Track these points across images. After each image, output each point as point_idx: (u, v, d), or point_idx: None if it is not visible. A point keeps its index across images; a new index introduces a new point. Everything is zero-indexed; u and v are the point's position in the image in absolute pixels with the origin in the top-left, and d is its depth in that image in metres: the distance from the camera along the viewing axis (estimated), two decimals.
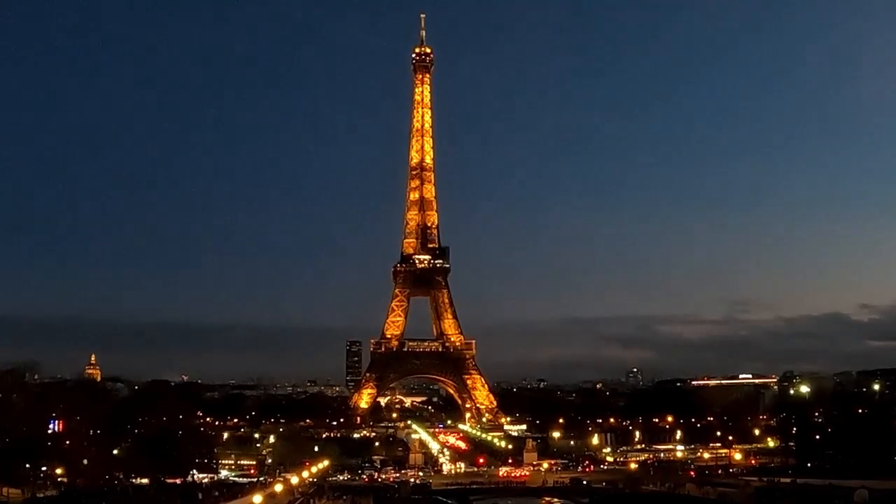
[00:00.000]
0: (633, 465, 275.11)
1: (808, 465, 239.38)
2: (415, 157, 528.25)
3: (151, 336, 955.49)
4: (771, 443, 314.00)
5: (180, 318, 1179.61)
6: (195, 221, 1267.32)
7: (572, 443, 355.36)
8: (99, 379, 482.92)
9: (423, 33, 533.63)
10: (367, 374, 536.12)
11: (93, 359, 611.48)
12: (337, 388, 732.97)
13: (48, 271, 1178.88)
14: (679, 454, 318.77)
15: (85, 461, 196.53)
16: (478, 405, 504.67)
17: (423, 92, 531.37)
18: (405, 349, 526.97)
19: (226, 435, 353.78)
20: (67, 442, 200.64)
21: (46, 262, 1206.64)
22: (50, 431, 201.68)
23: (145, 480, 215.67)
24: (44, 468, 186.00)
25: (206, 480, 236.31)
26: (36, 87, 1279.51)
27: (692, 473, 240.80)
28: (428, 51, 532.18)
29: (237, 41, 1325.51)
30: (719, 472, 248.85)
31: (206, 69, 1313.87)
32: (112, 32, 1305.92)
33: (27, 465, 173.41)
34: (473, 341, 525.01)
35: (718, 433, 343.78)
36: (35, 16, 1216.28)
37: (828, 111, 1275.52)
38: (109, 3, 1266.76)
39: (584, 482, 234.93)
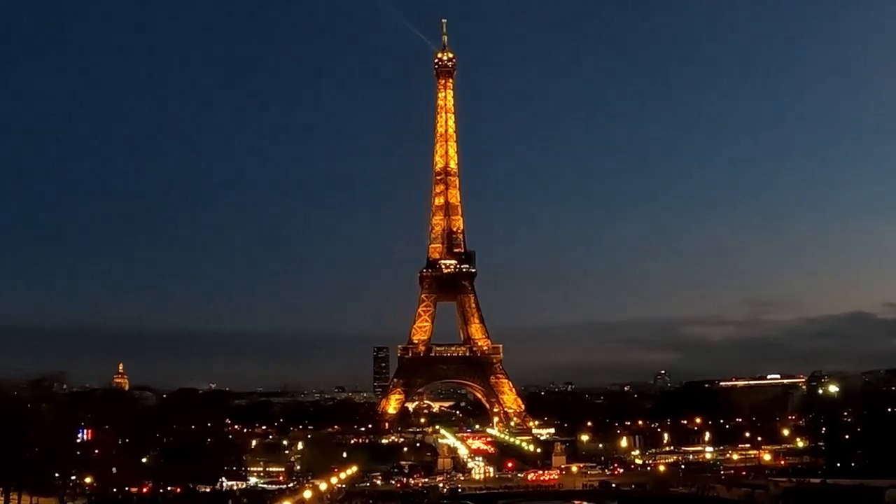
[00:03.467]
0: (661, 468, 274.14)
1: (838, 465, 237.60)
2: (439, 163, 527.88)
3: (179, 345, 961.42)
4: (800, 443, 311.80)
5: (208, 327, 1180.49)
6: (221, 230, 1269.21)
7: (601, 446, 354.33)
8: (127, 388, 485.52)
9: (446, 38, 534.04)
10: (395, 380, 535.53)
11: (121, 368, 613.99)
12: (365, 395, 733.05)
13: (76, 282, 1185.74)
14: (708, 456, 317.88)
15: (114, 470, 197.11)
16: (506, 409, 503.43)
17: (446, 97, 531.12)
18: (432, 354, 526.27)
19: (254, 442, 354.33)
20: (96, 451, 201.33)
21: (74, 274, 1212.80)
22: (79, 440, 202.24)
23: (176, 489, 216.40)
24: (73, 477, 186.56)
25: (234, 488, 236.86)
26: (77, 96, 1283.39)
27: (721, 475, 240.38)
28: (451, 55, 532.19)
29: (262, 47, 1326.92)
30: (749, 473, 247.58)
31: (234, 76, 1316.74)
32: (142, 35, 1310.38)
33: (56, 475, 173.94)
34: (500, 346, 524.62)
35: (747, 434, 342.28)
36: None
37: (849, 112, 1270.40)
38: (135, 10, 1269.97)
39: (613, 485, 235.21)
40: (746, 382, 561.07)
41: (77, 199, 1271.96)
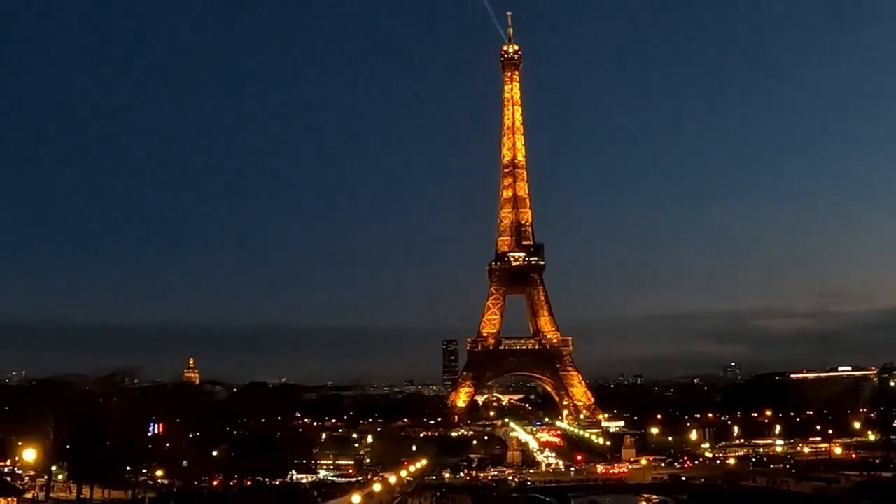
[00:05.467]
0: (731, 461, 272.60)
1: None
2: (507, 155, 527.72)
3: (249, 339, 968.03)
4: (871, 436, 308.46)
5: (278, 321, 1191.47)
6: (291, 227, 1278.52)
7: (670, 439, 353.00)
8: (198, 382, 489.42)
9: (511, 31, 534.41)
10: (464, 373, 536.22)
11: (191, 363, 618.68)
12: (434, 388, 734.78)
13: (149, 279, 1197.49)
14: (778, 449, 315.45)
15: (184, 463, 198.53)
16: (575, 402, 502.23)
17: (512, 89, 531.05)
18: (502, 347, 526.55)
19: (324, 436, 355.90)
20: (167, 444, 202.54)
21: (147, 271, 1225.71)
22: (150, 434, 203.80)
23: (246, 482, 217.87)
24: (144, 470, 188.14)
25: (304, 481, 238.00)
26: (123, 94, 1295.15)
27: (791, 469, 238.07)
28: (516, 48, 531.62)
29: (332, 41, 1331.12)
30: (820, 466, 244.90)
31: (302, 70, 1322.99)
32: (191, 35, 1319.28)
33: (128, 468, 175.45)
34: (570, 338, 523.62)
35: (818, 427, 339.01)
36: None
37: None
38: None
39: (683, 478, 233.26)
40: (817, 375, 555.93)
41: (152, 199, 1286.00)
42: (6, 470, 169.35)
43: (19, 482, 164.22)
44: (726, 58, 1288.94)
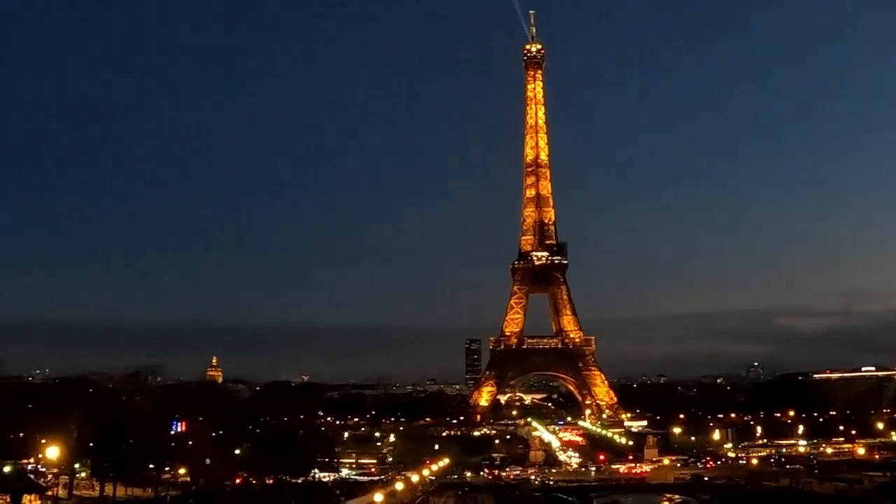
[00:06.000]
0: (754, 461, 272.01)
1: None
2: (529, 154, 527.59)
3: (272, 338, 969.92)
4: (895, 437, 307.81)
5: (300, 320, 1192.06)
6: (310, 225, 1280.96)
7: (693, 439, 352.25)
8: (221, 380, 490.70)
9: (534, 30, 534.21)
10: (487, 372, 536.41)
11: (214, 361, 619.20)
12: (457, 387, 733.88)
13: (171, 278, 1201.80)
14: (801, 449, 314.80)
15: (207, 461, 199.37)
16: (598, 402, 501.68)
17: (535, 88, 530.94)
18: (524, 346, 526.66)
19: (346, 434, 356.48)
20: (190, 442, 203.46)
21: (169, 270, 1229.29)
22: (173, 432, 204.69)
23: (269, 480, 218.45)
24: (167, 468, 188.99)
25: (326, 479, 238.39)
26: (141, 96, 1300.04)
27: (814, 469, 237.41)
28: (539, 47, 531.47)
29: (355, 39, 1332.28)
30: (842, 467, 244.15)
31: (326, 68, 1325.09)
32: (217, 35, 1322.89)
33: (151, 466, 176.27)
34: (593, 338, 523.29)
35: (841, 427, 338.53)
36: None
37: None
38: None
39: (706, 479, 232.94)
40: (840, 375, 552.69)
41: (176, 197, 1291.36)
42: (30, 467, 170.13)
43: (43, 480, 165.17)
44: (754, 55, 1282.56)
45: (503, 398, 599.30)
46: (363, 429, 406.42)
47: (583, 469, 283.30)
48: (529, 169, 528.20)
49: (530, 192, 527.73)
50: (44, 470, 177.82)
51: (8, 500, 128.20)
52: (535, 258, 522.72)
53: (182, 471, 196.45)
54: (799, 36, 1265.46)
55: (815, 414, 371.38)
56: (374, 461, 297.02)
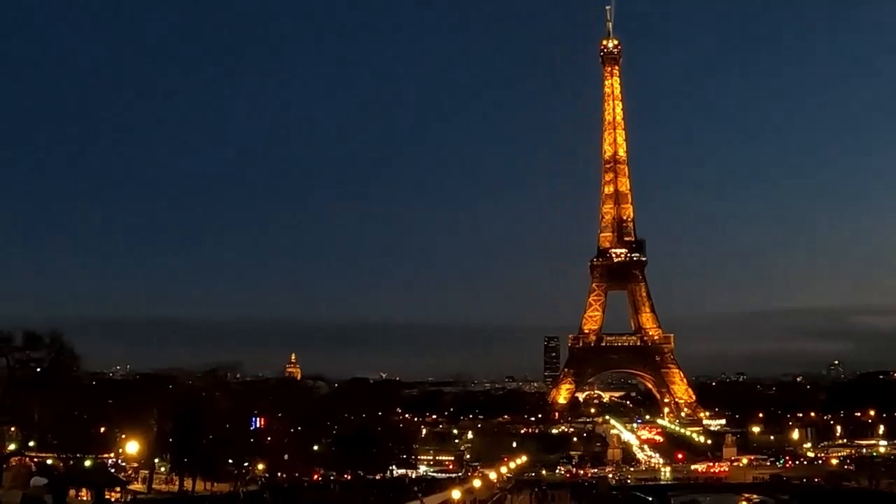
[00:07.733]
0: (833, 461, 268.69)
1: None
2: (608, 151, 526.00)
3: (351, 335, 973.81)
4: None
5: (379, 318, 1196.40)
6: (390, 226, 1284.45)
7: (772, 438, 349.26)
8: (300, 377, 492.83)
9: (610, 25, 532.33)
10: (565, 370, 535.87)
11: (293, 358, 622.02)
12: (535, 384, 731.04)
13: (250, 275, 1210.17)
14: (882, 450, 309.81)
15: (286, 457, 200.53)
16: (676, 400, 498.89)
17: (612, 84, 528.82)
18: (603, 344, 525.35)
19: (424, 431, 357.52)
20: (269, 438, 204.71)
21: (249, 270, 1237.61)
22: (252, 428, 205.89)
23: (347, 476, 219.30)
24: (246, 464, 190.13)
25: (405, 475, 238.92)
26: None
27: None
28: (616, 42, 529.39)
29: (431, 39, 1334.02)
30: None
31: (408, 68, 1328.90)
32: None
33: (230, 461, 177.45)
34: (672, 335, 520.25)
35: None
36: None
37: None
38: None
39: (784, 478, 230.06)
40: None
41: (253, 197, 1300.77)
42: (110, 462, 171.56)
43: (123, 474, 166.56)
44: (837, 54, 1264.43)
45: (581, 396, 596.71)
46: (441, 426, 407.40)
47: (660, 467, 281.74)
48: (608, 165, 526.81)
49: (609, 189, 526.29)
50: (124, 465, 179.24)
51: (90, 495, 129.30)
52: (613, 255, 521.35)
53: (261, 466, 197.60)
54: (871, 36, 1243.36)
55: None
56: (452, 458, 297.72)
